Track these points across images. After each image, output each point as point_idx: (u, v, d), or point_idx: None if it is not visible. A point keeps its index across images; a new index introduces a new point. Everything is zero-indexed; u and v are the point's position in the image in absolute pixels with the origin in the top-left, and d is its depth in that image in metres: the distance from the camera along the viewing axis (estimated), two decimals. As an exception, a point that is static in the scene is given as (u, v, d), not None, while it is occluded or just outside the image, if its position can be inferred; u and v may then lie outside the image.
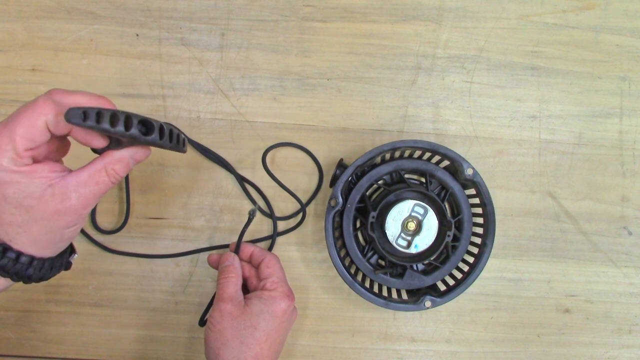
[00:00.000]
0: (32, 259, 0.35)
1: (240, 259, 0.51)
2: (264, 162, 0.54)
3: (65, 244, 0.37)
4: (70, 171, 0.36)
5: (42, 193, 0.33)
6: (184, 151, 0.39)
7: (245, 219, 0.51)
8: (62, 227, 0.35)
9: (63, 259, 0.39)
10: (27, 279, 0.36)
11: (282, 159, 0.58)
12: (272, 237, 0.57)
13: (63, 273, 0.56)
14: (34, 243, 0.35)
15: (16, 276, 0.35)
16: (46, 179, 0.34)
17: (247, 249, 0.52)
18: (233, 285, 0.48)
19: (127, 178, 0.56)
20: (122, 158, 0.36)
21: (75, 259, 0.41)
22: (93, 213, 0.56)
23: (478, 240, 0.53)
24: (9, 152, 0.32)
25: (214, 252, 0.57)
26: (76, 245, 0.57)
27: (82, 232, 0.56)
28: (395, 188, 0.53)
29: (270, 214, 0.57)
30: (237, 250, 0.51)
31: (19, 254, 0.35)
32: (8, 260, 0.34)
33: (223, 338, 0.45)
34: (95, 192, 0.35)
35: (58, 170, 0.35)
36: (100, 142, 0.35)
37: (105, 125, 0.32)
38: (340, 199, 0.51)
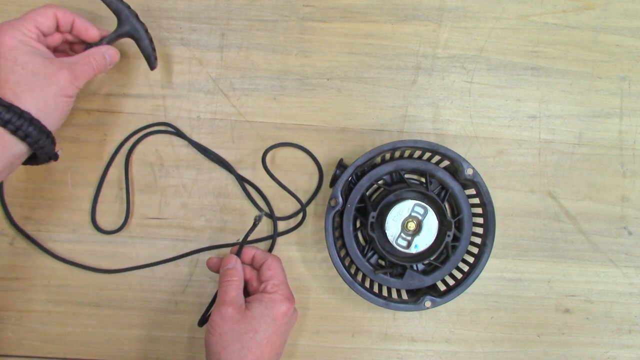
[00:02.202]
0: (32, 118, 0.43)
1: (242, 262, 0.51)
2: (264, 163, 0.54)
3: (58, 114, 0.45)
4: None
5: (44, 61, 0.44)
6: (153, 65, 0.53)
7: (249, 222, 0.52)
8: (57, 92, 0.44)
9: (53, 144, 0.46)
10: (28, 137, 0.42)
11: (282, 159, 0.58)
12: (273, 238, 0.57)
13: (64, 272, 0.56)
14: (35, 102, 0.43)
15: (20, 130, 0.42)
16: (50, 54, 0.46)
17: (248, 252, 0.52)
18: (235, 289, 0.48)
19: (127, 178, 0.56)
20: (99, 51, 0.49)
21: (61, 153, 0.48)
22: (93, 213, 0.56)
23: (478, 240, 0.53)
24: (30, 29, 0.45)
25: (213, 256, 0.57)
26: (78, 247, 0.57)
27: (84, 233, 0.56)
28: (395, 188, 0.53)
29: (270, 215, 0.57)
30: (239, 252, 0.51)
31: (22, 111, 0.42)
32: (13, 114, 0.41)
33: (224, 342, 0.45)
34: (83, 71, 0.47)
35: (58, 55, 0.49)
36: (94, 33, 0.49)
37: None
38: (340, 199, 0.51)
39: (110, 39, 0.50)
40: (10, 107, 0.41)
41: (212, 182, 0.57)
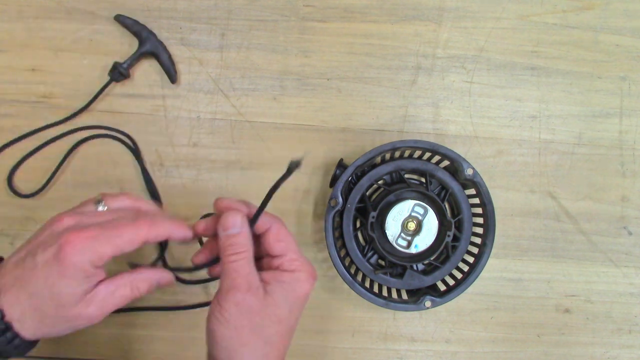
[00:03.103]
0: (22, 341, 0.36)
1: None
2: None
3: (46, 334, 0.37)
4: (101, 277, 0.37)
5: (81, 297, 0.36)
6: (174, 79, 0.56)
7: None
8: (70, 325, 0.37)
9: (21, 349, 0.38)
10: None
11: (282, 159, 0.58)
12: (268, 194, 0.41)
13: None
14: (35, 329, 0.36)
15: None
16: (91, 285, 0.36)
17: (240, 209, 0.39)
18: (247, 266, 0.37)
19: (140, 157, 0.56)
20: (148, 278, 0.39)
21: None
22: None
23: (478, 240, 0.53)
24: (105, 254, 0.36)
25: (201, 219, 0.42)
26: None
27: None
28: (395, 188, 0.53)
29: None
30: (257, 216, 0.39)
31: (15, 336, 0.36)
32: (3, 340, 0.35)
33: (242, 338, 0.36)
34: (115, 304, 0.37)
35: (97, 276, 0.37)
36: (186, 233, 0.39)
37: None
38: (340, 199, 0.51)
39: (133, 59, 0.54)
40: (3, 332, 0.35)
41: (212, 182, 0.57)
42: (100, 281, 0.37)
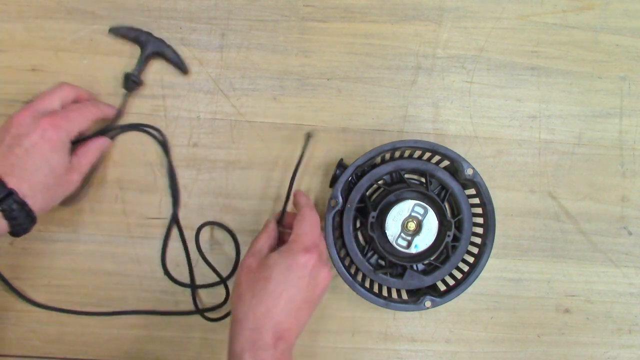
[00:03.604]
0: (25, 204, 0.44)
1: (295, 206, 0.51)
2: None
3: (50, 203, 0.48)
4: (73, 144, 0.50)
5: (65, 167, 0.48)
6: (185, 70, 0.57)
7: (249, 221, 0.50)
8: (63, 192, 0.49)
9: (33, 224, 0.47)
10: (13, 219, 0.44)
11: (282, 159, 0.58)
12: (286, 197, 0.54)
13: (64, 273, 0.56)
14: (42, 202, 0.46)
15: (9, 213, 0.43)
16: (68, 153, 0.49)
17: (298, 199, 0.51)
18: (262, 241, 0.48)
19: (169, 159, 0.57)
20: (94, 144, 0.53)
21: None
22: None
23: (478, 240, 0.53)
24: (66, 139, 0.48)
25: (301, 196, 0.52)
26: (78, 247, 0.57)
27: (84, 233, 0.57)
28: (395, 188, 0.53)
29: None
30: (284, 210, 0.52)
31: (30, 212, 0.45)
32: (10, 200, 0.43)
33: (239, 291, 0.44)
34: (84, 170, 0.51)
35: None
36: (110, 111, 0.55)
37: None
38: (340, 199, 0.51)
39: (141, 65, 0.55)
40: (10, 193, 0.43)
41: (212, 182, 0.57)
42: (76, 149, 0.51)
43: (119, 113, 0.55)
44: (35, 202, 0.45)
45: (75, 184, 0.50)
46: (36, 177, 0.45)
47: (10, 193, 0.43)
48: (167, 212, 0.57)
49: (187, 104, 0.57)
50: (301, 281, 0.44)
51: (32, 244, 0.56)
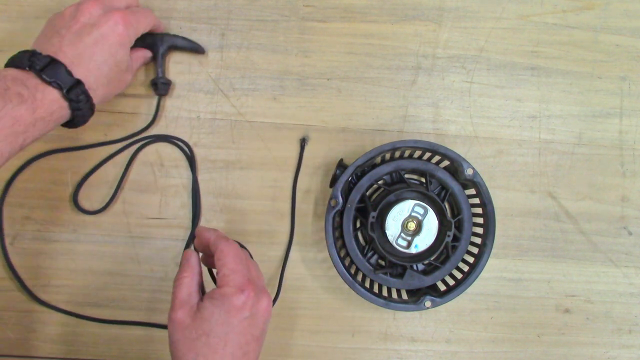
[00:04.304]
0: (89, 96, 0.46)
1: (200, 246, 0.46)
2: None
3: (107, 98, 0.49)
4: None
5: (128, 63, 0.49)
6: (202, 50, 0.56)
7: (249, 221, 0.49)
8: (119, 88, 0.50)
9: (92, 114, 0.48)
10: (78, 110, 0.45)
11: (282, 159, 0.58)
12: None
13: (64, 273, 0.56)
14: (103, 94, 0.47)
15: (76, 104, 0.44)
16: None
17: (205, 236, 0.45)
18: (185, 289, 0.42)
19: (122, 177, 0.56)
20: (143, 52, 0.54)
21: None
22: (76, 194, 0.56)
23: (478, 240, 0.53)
24: (133, 37, 0.49)
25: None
26: (78, 247, 0.57)
27: (84, 233, 0.57)
28: (395, 188, 0.53)
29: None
30: (190, 240, 0.47)
31: (92, 103, 0.46)
32: (78, 90, 0.44)
33: (178, 352, 0.41)
34: (136, 67, 0.53)
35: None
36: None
37: None
38: (340, 199, 0.51)
39: (161, 66, 0.55)
40: (78, 82, 0.44)
41: (212, 182, 0.57)
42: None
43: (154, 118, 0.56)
44: (96, 94, 0.46)
45: (127, 84, 0.51)
46: (102, 69, 0.46)
47: (79, 82, 0.44)
48: (167, 212, 0.57)
49: (187, 104, 0.57)
50: (243, 323, 0.41)
51: (32, 244, 0.56)
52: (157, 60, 0.55)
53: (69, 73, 0.44)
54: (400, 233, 0.51)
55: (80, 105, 0.45)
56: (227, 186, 0.57)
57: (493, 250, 0.52)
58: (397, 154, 0.54)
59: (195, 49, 0.56)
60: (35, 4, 0.56)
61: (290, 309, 0.58)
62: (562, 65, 0.59)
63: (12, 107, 0.40)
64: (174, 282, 0.43)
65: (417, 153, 0.54)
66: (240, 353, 0.41)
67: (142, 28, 0.50)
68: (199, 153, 0.57)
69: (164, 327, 0.57)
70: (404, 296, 0.54)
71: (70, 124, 0.47)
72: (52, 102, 0.43)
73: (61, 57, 0.44)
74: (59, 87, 0.43)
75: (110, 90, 0.49)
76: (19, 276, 0.56)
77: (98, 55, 0.46)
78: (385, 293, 0.54)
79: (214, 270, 0.46)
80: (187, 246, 0.49)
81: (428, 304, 0.51)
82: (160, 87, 0.55)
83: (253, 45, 0.58)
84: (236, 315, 0.41)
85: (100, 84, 0.46)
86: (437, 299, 0.51)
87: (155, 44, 0.54)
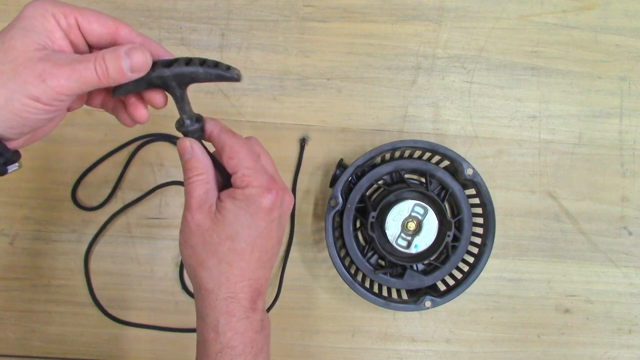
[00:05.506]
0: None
1: (207, 139, 0.39)
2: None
3: (22, 130, 0.33)
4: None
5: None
6: (237, 78, 0.35)
7: None
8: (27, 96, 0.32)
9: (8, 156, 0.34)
10: None
11: (282, 159, 0.58)
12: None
13: (64, 273, 0.56)
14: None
15: None
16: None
17: (205, 129, 0.39)
18: (202, 186, 0.37)
19: (121, 176, 0.56)
20: (114, 50, 0.33)
21: (14, 170, 0.35)
22: (75, 189, 0.56)
23: (478, 240, 0.53)
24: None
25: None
26: (78, 247, 0.57)
27: (84, 233, 0.56)
28: (395, 188, 0.53)
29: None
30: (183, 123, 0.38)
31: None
32: None
33: (198, 257, 0.36)
34: (78, 77, 0.33)
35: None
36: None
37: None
38: (340, 199, 0.51)
39: (183, 108, 0.40)
40: None
41: (212, 182, 0.57)
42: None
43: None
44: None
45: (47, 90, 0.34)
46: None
47: None
48: (168, 212, 0.57)
49: (187, 104, 0.57)
50: (271, 226, 0.37)
51: (32, 244, 0.56)
52: (176, 103, 0.39)
53: None
54: (400, 233, 0.51)
55: None
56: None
57: (493, 250, 0.52)
58: (397, 154, 0.54)
59: (227, 77, 0.35)
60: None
61: (290, 309, 0.58)
62: (562, 65, 0.59)
63: None
64: (185, 182, 0.37)
65: (417, 153, 0.54)
66: (267, 257, 0.38)
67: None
68: (199, 153, 0.57)
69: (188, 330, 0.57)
70: (404, 296, 0.54)
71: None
72: None
73: None
74: None
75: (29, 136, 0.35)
76: (97, 299, 0.56)
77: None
78: (385, 293, 0.54)
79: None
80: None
81: (428, 304, 0.51)
82: (188, 130, 0.40)
83: (253, 45, 0.58)
84: (265, 217, 0.36)
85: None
86: (437, 299, 0.51)
87: (164, 85, 0.37)
